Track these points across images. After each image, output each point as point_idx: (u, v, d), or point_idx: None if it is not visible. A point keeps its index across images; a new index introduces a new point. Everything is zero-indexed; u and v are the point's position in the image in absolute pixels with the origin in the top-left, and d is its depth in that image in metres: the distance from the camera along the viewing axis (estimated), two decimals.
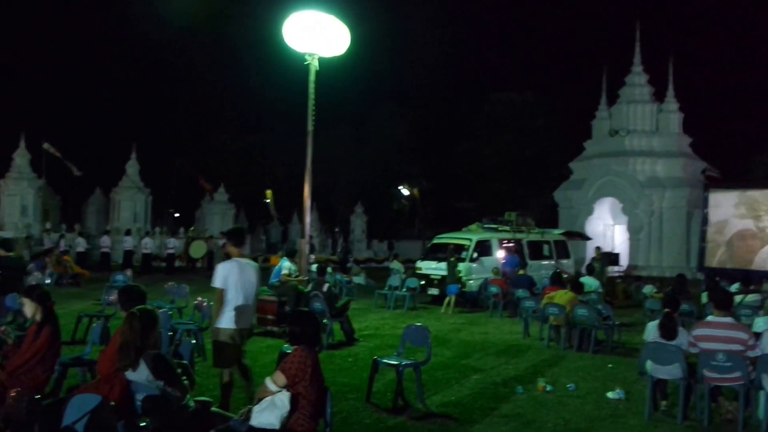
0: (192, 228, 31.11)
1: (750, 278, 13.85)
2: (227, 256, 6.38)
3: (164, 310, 8.74)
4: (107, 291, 11.70)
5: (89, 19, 45.41)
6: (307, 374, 4.35)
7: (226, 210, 33.29)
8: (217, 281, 6.11)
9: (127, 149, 29.95)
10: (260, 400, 4.34)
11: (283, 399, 4.24)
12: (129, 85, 43.37)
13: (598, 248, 20.98)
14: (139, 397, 4.43)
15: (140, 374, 4.47)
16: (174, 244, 25.98)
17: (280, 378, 4.34)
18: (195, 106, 42.35)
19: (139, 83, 43.07)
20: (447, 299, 15.37)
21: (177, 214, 41.99)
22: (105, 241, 25.15)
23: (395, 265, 20.20)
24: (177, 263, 25.84)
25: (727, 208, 26.66)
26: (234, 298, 6.09)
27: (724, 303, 6.81)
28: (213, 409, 4.67)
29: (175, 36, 36.54)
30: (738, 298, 11.64)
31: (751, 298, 11.74)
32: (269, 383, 4.36)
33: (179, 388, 4.44)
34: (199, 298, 10.12)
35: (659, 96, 31.38)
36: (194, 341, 7.38)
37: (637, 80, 31.32)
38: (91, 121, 42.74)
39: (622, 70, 32.09)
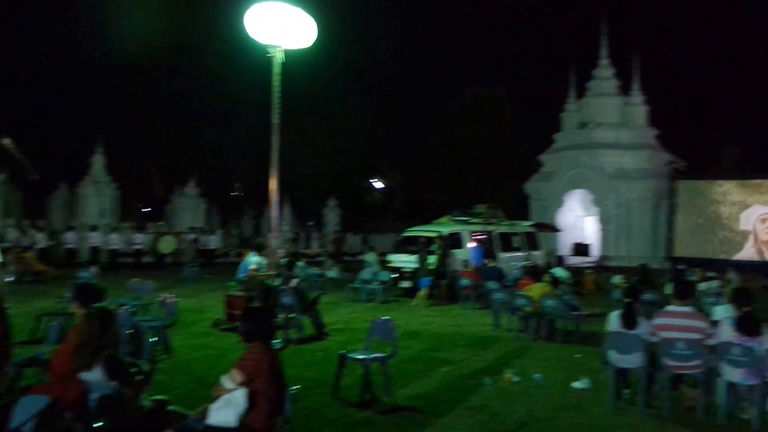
0: (161, 223, 30.65)
1: (711, 267, 14.05)
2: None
3: (126, 307, 8.61)
4: (71, 288, 11.45)
5: (53, 10, 44.39)
6: (265, 371, 4.29)
7: (197, 205, 32.83)
8: None
9: (93, 142, 29.34)
10: (217, 398, 4.28)
11: (239, 396, 4.18)
12: (94, 78, 42.50)
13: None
14: (94, 397, 4.33)
15: (95, 375, 4.37)
16: (141, 239, 25.32)
17: (237, 375, 4.28)
18: (163, 98, 41.59)
19: (103, 75, 42.21)
20: (419, 292, 15.37)
21: (146, 209, 41.34)
22: (70, 237, 24.68)
23: (369, 257, 20.02)
24: (145, 259, 25.23)
25: (696, 199, 27.17)
26: None
27: (683, 292, 6.87)
28: (170, 407, 4.57)
29: (137, 28, 35.83)
30: (702, 286, 11.84)
31: (711, 285, 11.92)
32: (225, 381, 4.30)
33: (134, 388, 4.35)
34: (164, 295, 9.97)
35: (626, 89, 31.72)
36: (156, 339, 7.25)
37: (604, 73, 31.59)
38: (56, 113, 41.84)
39: (590, 63, 32.35)
